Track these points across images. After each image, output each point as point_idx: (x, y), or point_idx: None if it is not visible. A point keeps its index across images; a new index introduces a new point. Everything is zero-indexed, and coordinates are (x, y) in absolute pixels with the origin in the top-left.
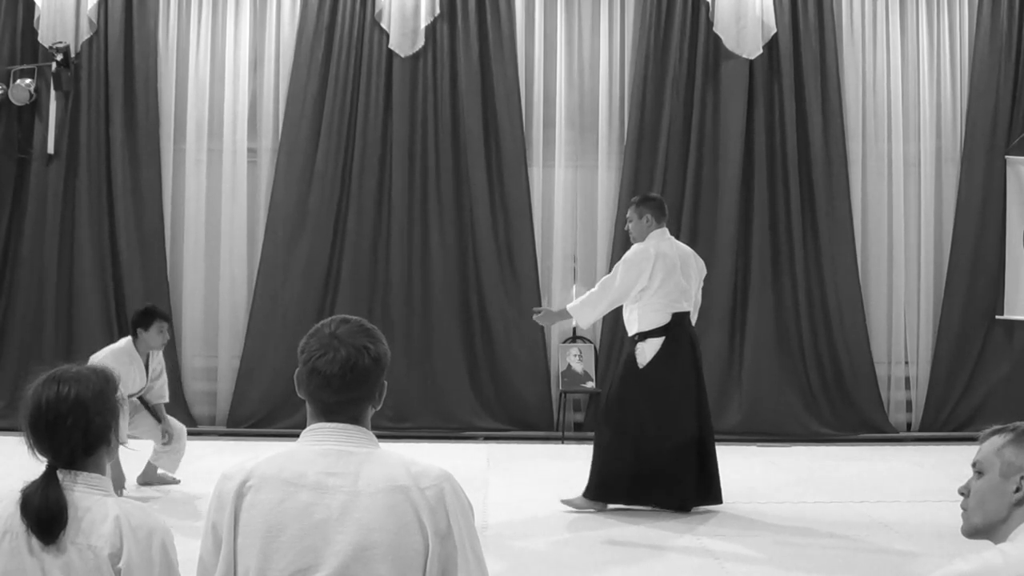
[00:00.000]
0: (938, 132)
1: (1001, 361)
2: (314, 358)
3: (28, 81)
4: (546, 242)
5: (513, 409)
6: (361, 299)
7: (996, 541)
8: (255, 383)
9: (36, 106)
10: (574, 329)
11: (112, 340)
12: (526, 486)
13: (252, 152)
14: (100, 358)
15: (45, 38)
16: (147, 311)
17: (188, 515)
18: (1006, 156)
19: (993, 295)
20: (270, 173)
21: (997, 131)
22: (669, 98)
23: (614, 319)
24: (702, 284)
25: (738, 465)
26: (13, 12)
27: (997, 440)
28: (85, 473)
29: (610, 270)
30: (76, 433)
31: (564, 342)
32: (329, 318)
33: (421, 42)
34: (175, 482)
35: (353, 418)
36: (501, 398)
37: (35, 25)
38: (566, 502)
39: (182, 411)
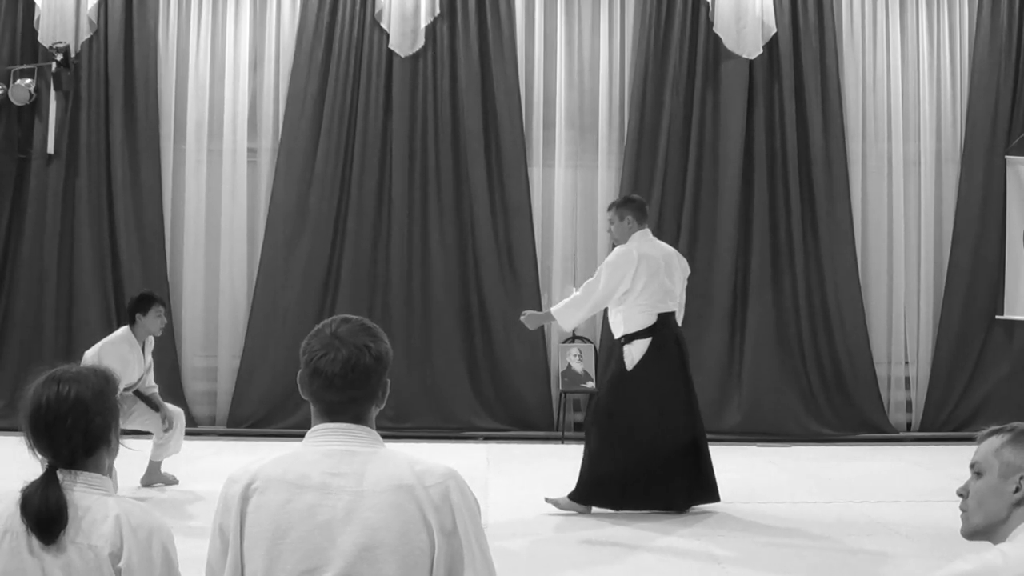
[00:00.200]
0: (938, 132)
1: (1001, 361)
2: (315, 358)
3: (28, 81)
4: (546, 242)
5: (513, 409)
6: (361, 299)
7: (996, 542)
8: (255, 383)
9: (36, 106)
10: (574, 329)
11: None
12: (526, 486)
13: (252, 152)
14: (99, 348)
15: (45, 38)
16: (144, 296)
17: (188, 515)
18: (1006, 156)
19: (993, 295)
20: (270, 173)
21: (997, 131)
22: (669, 98)
23: None
24: (686, 283)
25: (738, 465)
26: (13, 12)
27: (995, 441)
28: (85, 473)
29: None
30: (76, 433)
31: (564, 342)
32: (330, 318)
33: (421, 42)
34: (175, 482)
35: (356, 417)
36: (501, 398)
37: (35, 25)
38: (551, 501)
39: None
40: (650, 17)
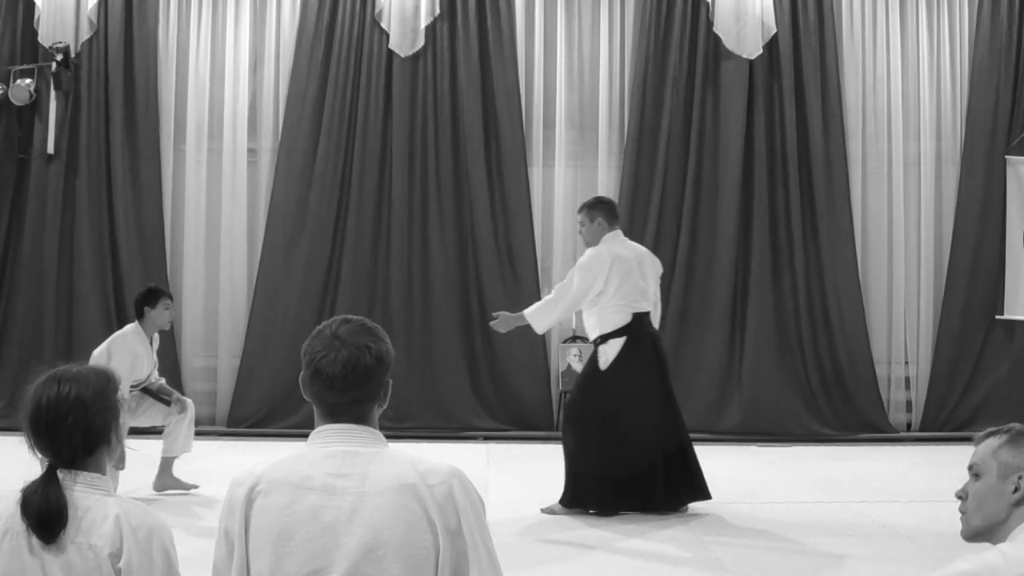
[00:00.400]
0: (938, 132)
1: (1001, 361)
2: (316, 359)
3: (28, 81)
4: (546, 242)
5: (513, 409)
6: (361, 299)
7: (995, 542)
8: (255, 383)
9: (36, 106)
10: (574, 329)
11: None
12: (526, 486)
13: (252, 152)
14: (108, 344)
15: (45, 38)
16: (151, 290)
17: (188, 515)
18: (1006, 156)
19: (993, 295)
20: (270, 173)
21: (997, 131)
22: (669, 98)
23: None
24: (659, 282)
25: (738, 465)
26: (13, 12)
27: (992, 442)
28: (85, 473)
29: None
30: (76, 433)
31: (564, 342)
32: (331, 319)
33: (421, 42)
34: (195, 487)
35: (359, 418)
36: (501, 398)
37: (35, 25)
38: (546, 511)
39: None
40: (650, 17)
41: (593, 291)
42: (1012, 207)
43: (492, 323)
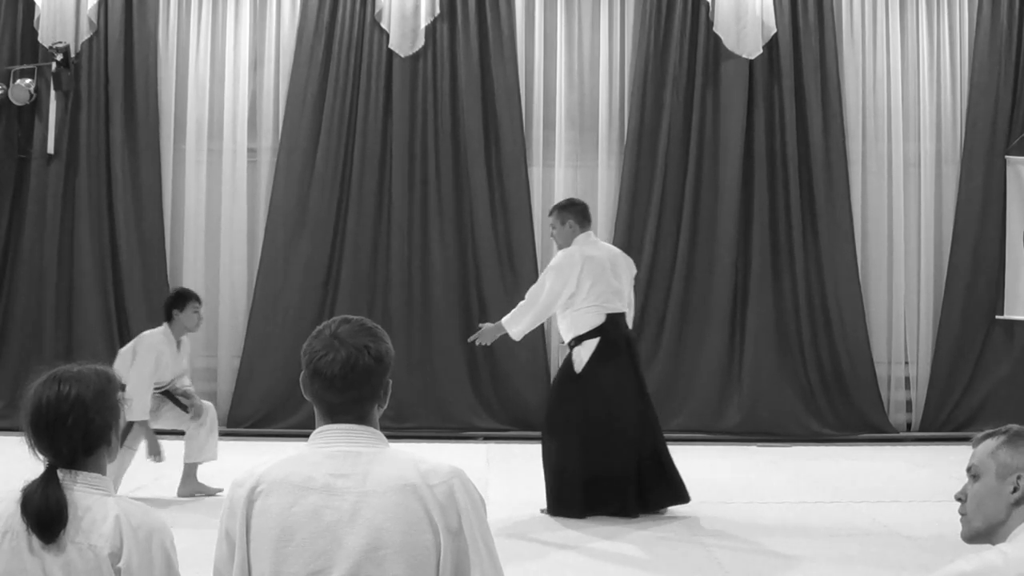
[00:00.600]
0: (938, 132)
1: (1001, 361)
2: (316, 359)
3: (28, 81)
4: (546, 242)
5: (513, 409)
6: (361, 299)
7: (995, 543)
8: (255, 383)
9: (36, 106)
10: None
11: (112, 340)
12: (526, 486)
13: (252, 152)
14: (136, 341)
15: (45, 38)
16: (180, 293)
17: (189, 515)
18: (1006, 156)
19: (993, 295)
20: (270, 173)
21: (997, 131)
22: (669, 98)
23: None
24: (633, 283)
25: (738, 465)
26: (13, 12)
27: (990, 443)
28: (85, 472)
29: None
30: (76, 433)
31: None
32: (331, 319)
33: (421, 42)
34: (220, 490)
35: (359, 418)
36: (501, 398)
37: (35, 25)
38: (545, 511)
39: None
40: (650, 17)
41: (566, 292)
42: (1012, 207)
43: (475, 339)
